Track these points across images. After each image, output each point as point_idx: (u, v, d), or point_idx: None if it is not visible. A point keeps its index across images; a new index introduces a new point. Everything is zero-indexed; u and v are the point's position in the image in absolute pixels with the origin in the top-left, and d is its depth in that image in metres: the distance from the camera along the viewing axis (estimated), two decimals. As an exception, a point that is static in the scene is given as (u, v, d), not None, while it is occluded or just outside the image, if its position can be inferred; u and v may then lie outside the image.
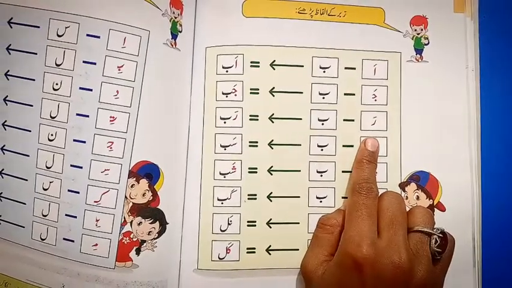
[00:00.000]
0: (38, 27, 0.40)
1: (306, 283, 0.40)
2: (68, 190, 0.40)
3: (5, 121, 0.40)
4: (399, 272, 0.36)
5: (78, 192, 0.40)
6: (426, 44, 0.43)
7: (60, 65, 0.40)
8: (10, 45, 0.40)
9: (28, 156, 0.40)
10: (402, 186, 0.42)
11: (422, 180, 0.42)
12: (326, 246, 0.40)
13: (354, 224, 0.38)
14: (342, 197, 0.42)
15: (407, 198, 0.42)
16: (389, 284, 0.36)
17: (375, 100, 0.43)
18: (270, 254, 0.42)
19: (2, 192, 0.41)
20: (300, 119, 0.42)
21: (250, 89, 0.42)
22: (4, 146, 0.40)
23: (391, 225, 0.38)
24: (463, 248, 0.42)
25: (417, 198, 0.42)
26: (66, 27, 0.40)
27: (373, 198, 0.39)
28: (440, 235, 0.38)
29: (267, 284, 0.42)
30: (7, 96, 0.40)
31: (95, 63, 0.40)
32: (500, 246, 0.43)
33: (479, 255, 0.42)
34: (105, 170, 0.40)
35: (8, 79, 0.40)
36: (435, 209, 0.42)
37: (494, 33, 0.44)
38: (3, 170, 0.41)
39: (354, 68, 0.43)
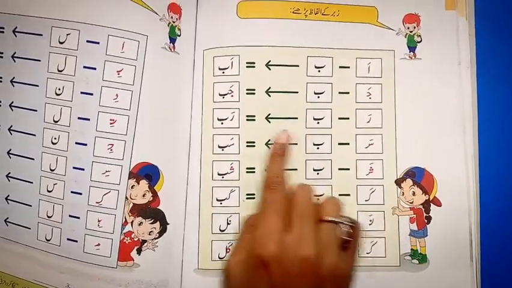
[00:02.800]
0: (41, 35, 0.41)
1: (224, 281, 0.40)
2: (71, 192, 0.41)
3: (11, 126, 0.42)
4: (307, 265, 0.36)
5: (80, 194, 0.41)
6: (419, 42, 0.43)
7: (62, 70, 0.41)
8: (15, 53, 0.42)
9: (33, 159, 0.42)
10: (398, 182, 0.43)
11: (418, 176, 0.42)
12: (245, 246, 0.39)
13: (262, 222, 0.38)
14: (339, 194, 0.42)
15: (403, 194, 0.42)
16: (297, 278, 0.36)
17: (370, 98, 0.43)
18: (269, 252, 0.42)
19: (8, 195, 0.42)
20: (296, 118, 0.43)
21: (247, 90, 0.43)
22: (10, 150, 0.42)
23: (300, 219, 0.37)
24: (460, 243, 0.42)
25: (413, 194, 0.42)
26: (67, 34, 0.41)
27: (280, 192, 0.39)
28: (348, 223, 0.38)
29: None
30: (12, 102, 0.42)
31: (95, 68, 0.41)
32: (498, 240, 0.42)
33: (476, 249, 0.42)
34: (106, 171, 0.41)
35: (13, 86, 0.42)
36: (431, 204, 0.42)
37: (489, 30, 0.44)
38: (9, 173, 0.42)
39: (349, 67, 0.43)
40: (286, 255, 0.36)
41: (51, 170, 0.41)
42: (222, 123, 0.43)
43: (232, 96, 0.43)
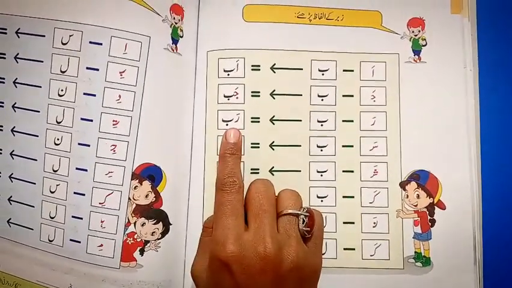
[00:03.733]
0: (44, 36, 0.41)
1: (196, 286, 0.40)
2: (74, 192, 0.41)
3: (14, 127, 0.42)
4: (267, 261, 0.35)
5: (83, 195, 0.41)
6: (424, 45, 0.43)
7: (65, 71, 0.41)
8: (18, 54, 0.41)
9: (36, 160, 0.42)
10: (403, 185, 0.43)
11: (422, 179, 0.42)
12: (205, 249, 0.39)
13: (218, 224, 0.37)
14: (343, 196, 0.42)
15: (407, 197, 0.42)
16: (258, 276, 0.35)
17: (374, 101, 0.43)
18: (271, 254, 0.42)
19: (11, 196, 0.42)
20: (300, 120, 0.43)
21: (252, 92, 0.43)
22: (13, 151, 0.42)
23: (257, 215, 0.37)
24: (463, 246, 0.42)
25: (418, 196, 0.42)
26: (70, 36, 0.41)
27: (236, 192, 0.39)
28: (307, 214, 0.38)
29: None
30: (15, 103, 0.42)
31: (98, 69, 0.41)
32: (501, 243, 0.43)
33: (480, 253, 0.42)
34: (109, 172, 0.41)
35: (16, 87, 0.42)
36: (436, 207, 0.42)
37: (492, 34, 0.44)
38: (12, 174, 0.42)
39: (353, 70, 0.43)
40: (246, 254, 0.36)
41: (54, 170, 0.41)
42: (226, 125, 0.43)
43: (237, 98, 0.43)
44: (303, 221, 0.38)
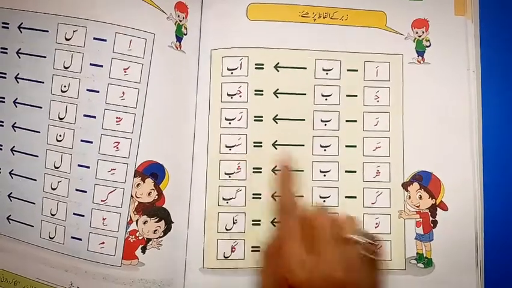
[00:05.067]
0: (47, 31, 0.41)
1: None
2: (76, 189, 0.41)
3: (15, 123, 0.41)
4: (335, 285, 0.36)
5: (85, 192, 0.41)
6: (427, 46, 0.44)
7: (69, 67, 0.41)
8: (20, 49, 0.41)
9: (37, 156, 0.41)
10: (405, 186, 0.43)
11: (425, 180, 0.43)
12: (270, 273, 0.39)
13: (283, 248, 0.37)
14: (346, 197, 0.43)
15: (410, 197, 0.43)
16: None
17: (378, 101, 0.43)
18: (274, 252, 0.42)
19: (11, 192, 0.42)
20: (303, 119, 0.43)
21: (255, 91, 0.43)
22: (14, 147, 0.41)
23: (321, 240, 0.37)
24: (465, 247, 0.42)
25: (420, 197, 0.43)
26: (74, 31, 0.41)
27: (296, 216, 0.39)
28: (369, 239, 0.38)
29: (271, 283, 0.42)
30: (17, 98, 0.41)
31: (101, 66, 0.41)
32: (502, 245, 0.43)
33: (481, 254, 0.42)
34: (111, 169, 0.41)
35: (18, 82, 0.41)
36: (438, 208, 0.43)
37: (495, 36, 0.44)
38: (12, 170, 0.42)
39: (357, 70, 0.43)
40: (314, 278, 0.36)
41: (55, 167, 0.41)
42: (229, 123, 0.43)
43: (240, 96, 0.43)
44: (366, 247, 0.38)
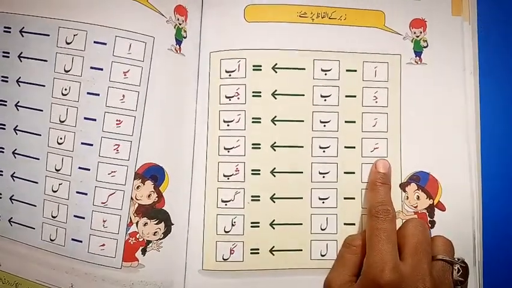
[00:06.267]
0: (48, 35, 0.41)
1: None
2: (77, 192, 0.41)
3: (17, 126, 0.42)
4: None
5: (86, 194, 0.41)
6: (425, 47, 0.44)
7: (69, 71, 0.41)
8: (22, 53, 0.42)
9: (38, 159, 0.42)
10: (403, 186, 0.43)
11: (422, 181, 0.43)
12: (350, 267, 0.40)
13: (375, 249, 0.38)
14: (344, 198, 0.43)
15: (407, 198, 0.43)
16: None
17: (376, 102, 0.43)
18: (273, 254, 0.42)
19: (13, 195, 0.42)
20: (302, 121, 0.43)
21: (253, 92, 0.43)
22: (15, 149, 0.42)
23: (416, 252, 0.38)
24: (463, 247, 0.42)
25: (418, 198, 0.43)
26: (74, 35, 0.41)
27: (390, 220, 0.39)
28: (462, 264, 0.39)
29: (271, 285, 0.42)
30: (18, 102, 0.42)
31: (102, 69, 0.41)
32: (501, 245, 0.43)
33: (479, 254, 0.42)
34: (112, 172, 0.41)
35: (19, 85, 0.42)
36: (435, 208, 0.42)
37: (493, 37, 0.44)
38: (14, 173, 0.42)
39: (355, 71, 0.43)
40: (404, 285, 0.36)
41: (56, 170, 0.41)
42: (228, 125, 0.43)
43: (238, 98, 0.43)
44: (458, 270, 0.39)
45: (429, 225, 0.42)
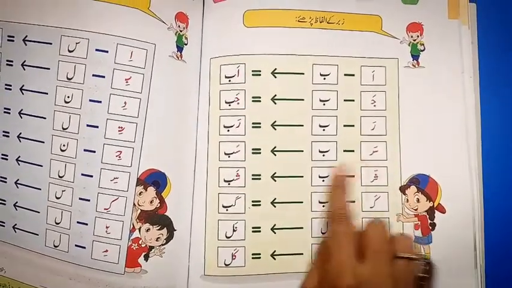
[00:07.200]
0: (51, 43, 0.42)
1: None
2: (80, 198, 0.41)
3: (20, 133, 0.42)
4: None
5: (89, 200, 0.41)
6: (422, 50, 0.44)
7: (72, 78, 0.42)
8: (25, 61, 0.42)
9: (41, 166, 0.42)
10: (403, 189, 0.43)
11: (422, 183, 0.43)
12: (320, 274, 0.39)
13: (333, 255, 0.38)
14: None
15: (407, 201, 0.43)
16: None
17: (374, 106, 0.44)
18: (275, 259, 0.42)
19: (17, 202, 0.43)
20: (302, 125, 0.43)
21: (252, 97, 0.43)
22: (19, 157, 0.42)
23: (376, 254, 0.37)
24: (464, 249, 0.42)
25: (418, 200, 0.43)
26: (76, 43, 0.42)
27: (347, 224, 0.39)
28: (424, 261, 0.38)
29: (273, 289, 0.42)
30: (22, 109, 0.42)
31: (104, 77, 0.42)
32: (502, 246, 0.43)
33: (481, 256, 0.42)
34: (114, 178, 0.41)
35: (23, 93, 0.42)
36: (436, 211, 0.43)
37: (493, 40, 0.45)
38: (18, 180, 0.42)
39: (353, 75, 0.44)
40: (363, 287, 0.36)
41: (59, 176, 0.42)
42: (228, 131, 0.43)
43: (238, 103, 0.43)
44: (420, 267, 0.38)
45: (430, 227, 0.42)
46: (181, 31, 0.44)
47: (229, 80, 0.43)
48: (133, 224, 0.41)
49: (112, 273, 0.41)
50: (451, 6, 0.44)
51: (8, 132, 0.43)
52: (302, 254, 0.42)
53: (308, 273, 0.41)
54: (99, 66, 0.42)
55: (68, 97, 0.42)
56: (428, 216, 0.42)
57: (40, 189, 0.42)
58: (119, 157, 0.41)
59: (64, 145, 0.42)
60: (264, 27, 0.44)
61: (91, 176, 0.41)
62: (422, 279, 0.38)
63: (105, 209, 0.41)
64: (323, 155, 0.43)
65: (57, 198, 0.42)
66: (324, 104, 0.43)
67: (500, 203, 0.43)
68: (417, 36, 0.44)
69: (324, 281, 0.38)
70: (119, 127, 0.42)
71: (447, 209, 0.43)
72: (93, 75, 0.42)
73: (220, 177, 0.43)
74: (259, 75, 0.43)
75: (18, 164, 0.42)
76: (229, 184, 0.43)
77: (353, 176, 0.43)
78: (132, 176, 0.41)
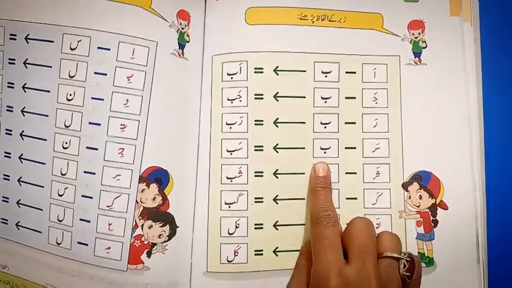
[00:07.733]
0: (53, 41, 0.42)
1: None
2: (82, 196, 0.42)
3: (23, 131, 0.42)
4: None
5: (91, 198, 0.41)
6: (424, 48, 0.44)
7: (74, 76, 0.42)
8: (27, 59, 0.42)
9: (44, 164, 0.42)
10: (405, 186, 0.43)
11: (424, 180, 0.43)
12: (306, 274, 0.40)
13: (319, 257, 0.38)
14: (346, 198, 0.43)
15: (410, 197, 0.43)
16: None
17: (376, 103, 0.44)
18: (277, 255, 0.42)
19: (19, 199, 0.43)
20: (304, 122, 0.43)
21: (255, 95, 0.43)
22: (22, 154, 0.43)
23: (361, 254, 0.38)
24: (467, 246, 0.42)
25: (420, 197, 0.43)
26: (78, 41, 0.42)
27: (332, 225, 0.39)
28: (408, 259, 0.38)
29: (275, 285, 0.42)
30: (24, 107, 0.42)
31: (106, 74, 0.42)
32: (505, 242, 0.43)
33: (483, 252, 0.42)
34: (116, 175, 0.41)
35: (25, 91, 0.42)
36: (438, 207, 0.43)
37: (496, 37, 0.45)
38: (21, 177, 0.43)
39: (355, 72, 0.44)
40: None
41: (62, 174, 0.42)
42: (230, 128, 0.43)
43: (240, 101, 0.43)
44: (404, 265, 0.38)
45: (433, 224, 0.42)
46: (182, 29, 0.44)
47: (232, 78, 0.43)
48: (135, 221, 0.41)
49: (115, 270, 0.41)
50: (453, 3, 0.44)
51: (11, 130, 0.43)
52: (304, 250, 0.43)
53: (294, 273, 0.42)
54: (101, 64, 0.42)
55: (70, 95, 0.42)
56: (430, 213, 0.43)
57: (43, 186, 0.42)
58: (122, 154, 0.42)
59: (66, 143, 0.42)
60: (266, 25, 0.44)
61: (94, 174, 0.41)
62: (407, 278, 0.38)
63: (107, 206, 0.41)
64: (325, 152, 0.43)
65: (60, 195, 0.42)
66: (325, 102, 0.43)
67: (502, 199, 0.43)
68: (419, 34, 0.44)
69: (311, 284, 0.38)
70: (121, 124, 0.42)
71: (449, 205, 0.43)
72: (95, 73, 0.42)
73: (223, 174, 0.43)
74: (262, 72, 0.43)
75: (21, 162, 0.42)
76: (231, 181, 0.43)
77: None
78: (134, 173, 0.42)
